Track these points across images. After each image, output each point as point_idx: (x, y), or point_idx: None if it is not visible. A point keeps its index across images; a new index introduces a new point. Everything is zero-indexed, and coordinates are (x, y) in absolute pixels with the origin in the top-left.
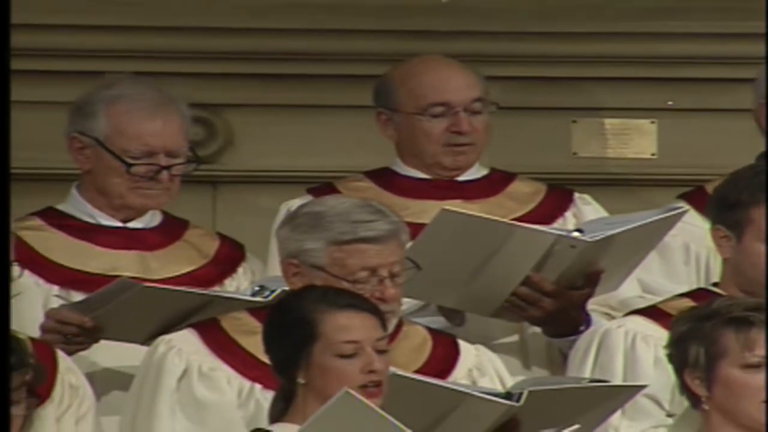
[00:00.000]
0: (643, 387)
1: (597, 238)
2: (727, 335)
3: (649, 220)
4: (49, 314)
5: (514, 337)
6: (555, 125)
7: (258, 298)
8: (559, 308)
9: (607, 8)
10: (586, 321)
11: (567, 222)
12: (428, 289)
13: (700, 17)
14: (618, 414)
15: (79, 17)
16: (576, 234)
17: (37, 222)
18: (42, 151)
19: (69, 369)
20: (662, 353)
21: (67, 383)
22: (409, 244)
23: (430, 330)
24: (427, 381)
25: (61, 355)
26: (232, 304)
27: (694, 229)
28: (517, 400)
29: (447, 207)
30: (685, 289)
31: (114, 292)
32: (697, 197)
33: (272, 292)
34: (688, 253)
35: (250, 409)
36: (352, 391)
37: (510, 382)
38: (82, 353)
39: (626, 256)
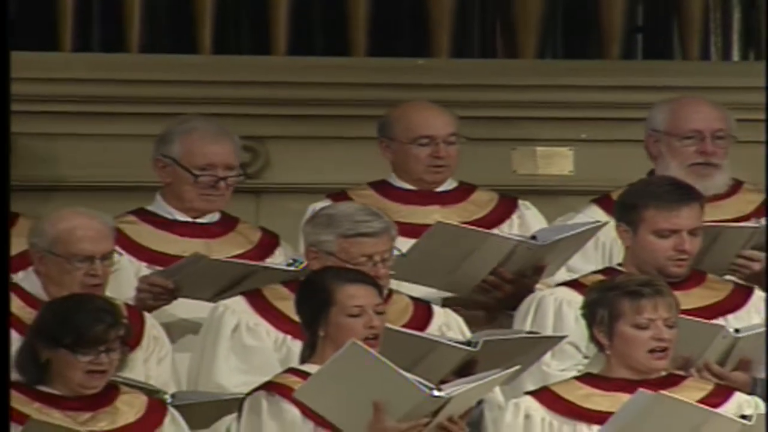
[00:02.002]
0: (564, 337)
1: (547, 243)
2: (623, 303)
3: (583, 229)
4: (142, 279)
5: (479, 312)
6: (500, 151)
7: (291, 268)
8: (514, 292)
9: (538, 68)
10: None
11: (513, 222)
12: (421, 275)
13: (604, 74)
14: (549, 356)
15: (160, 74)
16: (532, 241)
17: (132, 218)
18: (137, 168)
19: (152, 325)
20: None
21: (151, 335)
22: (409, 243)
23: (411, 297)
24: (410, 332)
25: (146, 315)
26: (272, 273)
27: None
28: (475, 347)
29: (441, 220)
30: (593, 267)
31: (188, 264)
32: (604, 202)
33: (301, 262)
34: (597, 242)
35: (283, 353)
36: (358, 342)
37: (470, 335)
38: (165, 307)
39: (562, 254)
